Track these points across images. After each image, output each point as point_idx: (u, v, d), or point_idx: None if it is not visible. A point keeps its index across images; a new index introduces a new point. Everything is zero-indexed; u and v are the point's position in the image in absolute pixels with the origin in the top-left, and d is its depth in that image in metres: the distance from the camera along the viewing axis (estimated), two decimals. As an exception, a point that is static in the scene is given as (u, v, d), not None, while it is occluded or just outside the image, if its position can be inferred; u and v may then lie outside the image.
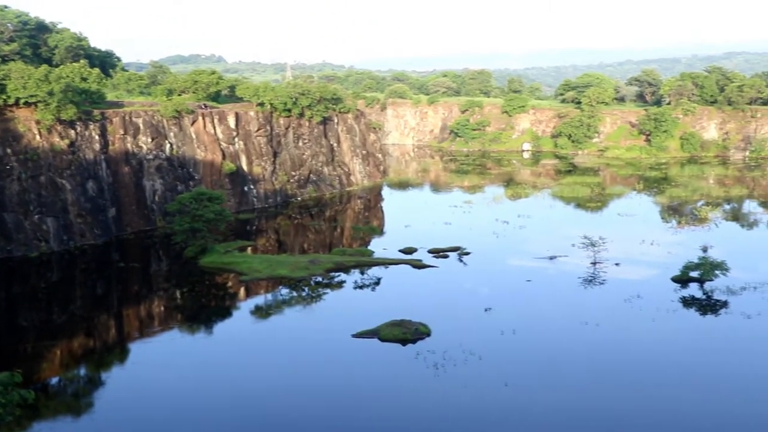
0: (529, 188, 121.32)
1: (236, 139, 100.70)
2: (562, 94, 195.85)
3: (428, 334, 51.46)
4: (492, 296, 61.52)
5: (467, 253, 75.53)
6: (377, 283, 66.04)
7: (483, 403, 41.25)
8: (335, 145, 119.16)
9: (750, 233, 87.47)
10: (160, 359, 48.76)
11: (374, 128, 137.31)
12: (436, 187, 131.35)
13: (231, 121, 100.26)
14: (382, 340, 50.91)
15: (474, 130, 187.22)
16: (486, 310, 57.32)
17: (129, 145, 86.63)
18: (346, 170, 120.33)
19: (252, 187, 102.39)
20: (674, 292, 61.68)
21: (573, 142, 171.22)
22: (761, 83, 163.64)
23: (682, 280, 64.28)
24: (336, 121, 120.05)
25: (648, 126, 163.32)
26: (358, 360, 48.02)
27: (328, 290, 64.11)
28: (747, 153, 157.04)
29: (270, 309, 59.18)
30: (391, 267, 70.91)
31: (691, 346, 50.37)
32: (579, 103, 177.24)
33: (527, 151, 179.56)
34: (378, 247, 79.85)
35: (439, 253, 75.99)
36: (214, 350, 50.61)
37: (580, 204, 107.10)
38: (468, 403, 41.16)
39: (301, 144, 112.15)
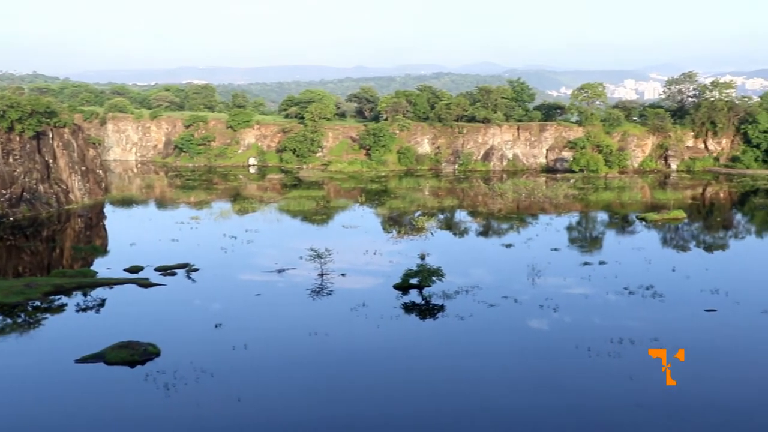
0: (256, 203, 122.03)
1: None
2: (285, 110, 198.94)
3: (158, 354, 50.12)
4: (222, 312, 61.20)
5: (196, 270, 74.55)
6: (101, 304, 63.18)
7: (215, 422, 40.99)
8: (51, 161, 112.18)
9: (462, 240, 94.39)
10: None
11: (94, 143, 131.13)
12: (162, 204, 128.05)
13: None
14: (108, 363, 48.79)
15: (199, 145, 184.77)
16: (216, 326, 56.93)
17: None
18: (64, 188, 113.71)
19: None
20: (396, 299, 64.99)
21: (298, 156, 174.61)
22: (465, 102, 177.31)
23: (403, 287, 67.87)
24: (51, 135, 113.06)
25: (368, 141, 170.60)
26: (82, 386, 45.68)
27: (48, 314, 60.27)
28: (456, 166, 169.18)
29: (-20, 339, 54.47)
30: (117, 287, 68.18)
31: (414, 348, 53.34)
32: (302, 118, 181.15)
33: (253, 165, 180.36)
34: (101, 267, 76.43)
35: (166, 270, 74.27)
36: None
37: (307, 217, 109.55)
38: (200, 422, 40.73)
39: (11, 160, 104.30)
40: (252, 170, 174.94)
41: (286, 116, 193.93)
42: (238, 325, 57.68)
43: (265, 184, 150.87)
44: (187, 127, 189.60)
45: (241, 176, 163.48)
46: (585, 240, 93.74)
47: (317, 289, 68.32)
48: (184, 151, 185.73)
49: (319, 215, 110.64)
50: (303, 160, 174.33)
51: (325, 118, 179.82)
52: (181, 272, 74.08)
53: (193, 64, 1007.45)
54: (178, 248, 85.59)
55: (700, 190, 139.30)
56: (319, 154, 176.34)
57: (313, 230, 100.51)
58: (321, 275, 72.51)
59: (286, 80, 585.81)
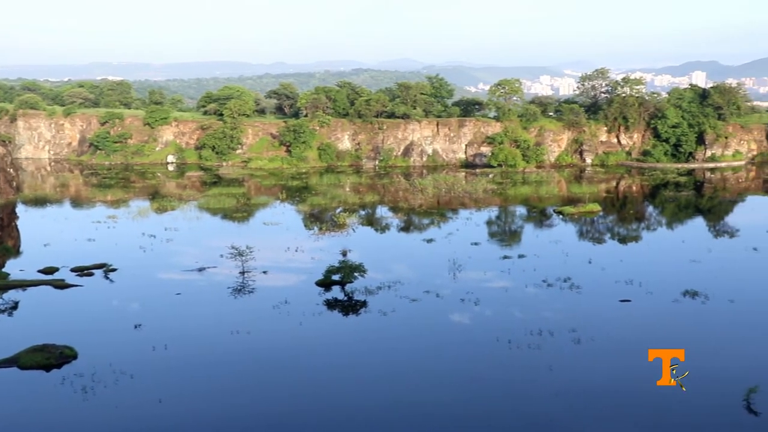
0: (175, 201, 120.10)
1: None
2: (204, 106, 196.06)
3: (75, 357, 49.00)
4: (142, 312, 60.17)
5: (114, 270, 73.05)
6: (14, 307, 61.37)
7: (135, 423, 40.35)
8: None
9: (383, 236, 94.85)
10: None
11: (3, 141, 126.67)
12: (78, 203, 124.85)
13: None
14: (22, 367, 47.47)
15: (115, 142, 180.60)
16: (136, 326, 55.95)
17: None
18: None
19: None
20: (319, 296, 65.00)
21: (217, 153, 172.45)
22: (385, 98, 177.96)
23: (326, 283, 67.91)
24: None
25: (288, 137, 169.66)
26: (-4, 392, 44.35)
27: (-43, 320, 58.23)
28: (377, 162, 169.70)
29: None
30: (30, 289, 66.31)
31: (337, 344, 53.47)
32: (221, 115, 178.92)
33: (172, 163, 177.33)
34: (14, 268, 74.09)
35: (83, 271, 72.56)
36: None
37: (227, 215, 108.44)
38: (119, 424, 40.05)
39: None
40: (171, 168, 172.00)
41: (205, 113, 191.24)
42: (158, 325, 56.85)
43: (185, 181, 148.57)
44: (103, 124, 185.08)
45: (159, 174, 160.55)
46: (504, 234, 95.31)
47: (239, 287, 67.78)
48: (99, 149, 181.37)
49: (240, 213, 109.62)
50: (223, 158, 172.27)
51: (244, 114, 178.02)
52: (98, 272, 72.50)
53: (108, 60, 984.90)
54: (94, 248, 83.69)
55: (613, 183, 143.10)
56: (239, 151, 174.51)
57: (234, 228, 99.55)
58: (242, 273, 71.95)
59: (204, 76, 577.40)
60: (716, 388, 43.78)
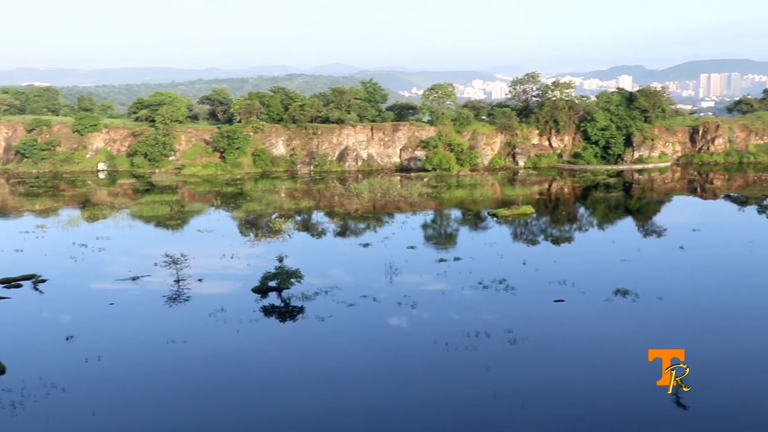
0: (106, 209, 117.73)
1: None
2: (135, 113, 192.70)
3: (2, 372, 47.66)
4: (73, 323, 58.84)
5: (43, 281, 71.31)
6: (-61, 322, 59.45)
7: (71, 436, 39.55)
8: None
9: (320, 241, 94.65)
10: None
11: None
12: (4, 213, 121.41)
13: None
14: (-51, 384, 46.05)
15: (43, 150, 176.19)
16: (68, 338, 54.75)
17: None
18: None
19: None
20: (255, 303, 64.56)
21: (150, 160, 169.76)
22: (319, 103, 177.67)
23: (262, 290, 67.48)
24: None
25: (222, 143, 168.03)
26: None
27: None
28: (312, 167, 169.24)
29: None
30: (-45, 303, 64.30)
31: (274, 351, 53.20)
32: (153, 121, 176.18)
33: (103, 171, 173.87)
34: (-63, 282, 71.83)
35: (10, 282, 70.64)
36: None
37: (161, 222, 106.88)
38: (54, 438, 39.19)
39: None
40: (102, 175, 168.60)
41: (136, 119, 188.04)
42: (91, 336, 55.73)
43: (116, 189, 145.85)
44: (30, 131, 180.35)
45: (90, 182, 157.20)
46: (440, 237, 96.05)
47: (174, 296, 66.89)
48: (26, 157, 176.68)
49: (174, 220, 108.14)
50: (155, 165, 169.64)
51: (177, 120, 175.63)
52: (27, 284, 70.68)
53: (34, 65, 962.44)
54: (22, 259, 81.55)
55: (546, 185, 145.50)
56: (171, 158, 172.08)
57: (168, 236, 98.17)
58: (177, 281, 71.01)
59: (135, 82, 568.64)
60: (646, 384, 44.81)
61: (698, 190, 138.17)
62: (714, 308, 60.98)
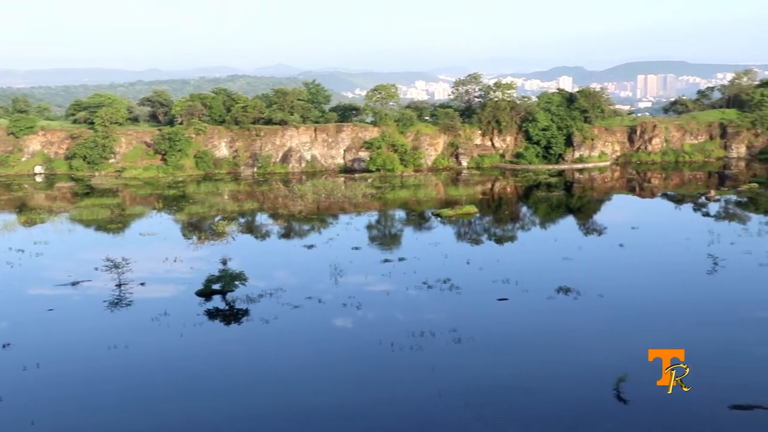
0: (44, 213, 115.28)
1: None
2: (73, 114, 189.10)
3: (-62, 382, 46.47)
4: (10, 331, 57.48)
5: (-21, 288, 69.61)
6: None
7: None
8: None
9: (264, 243, 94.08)
10: None
11: None
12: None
13: None
14: None
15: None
16: (4, 346, 53.49)
17: None
18: None
19: None
20: (199, 306, 63.92)
21: (89, 163, 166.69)
22: (262, 104, 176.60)
23: (206, 293, 66.85)
24: None
25: (163, 145, 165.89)
26: None
27: None
28: (255, 169, 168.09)
29: None
30: None
31: (219, 354, 52.69)
32: (92, 123, 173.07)
33: (40, 174, 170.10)
34: None
35: (-56, 290, 68.82)
36: None
37: (101, 226, 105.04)
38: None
39: None
40: (39, 179, 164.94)
41: (75, 121, 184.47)
42: (29, 343, 54.57)
43: (54, 193, 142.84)
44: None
45: (26, 185, 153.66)
46: (384, 238, 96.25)
47: (115, 301, 65.85)
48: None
49: (115, 224, 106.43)
50: (95, 167, 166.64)
51: (116, 123, 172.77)
52: (-39, 291, 68.91)
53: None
54: (-43, 265, 79.44)
55: (489, 185, 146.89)
56: (112, 161, 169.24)
57: (109, 239, 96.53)
58: (119, 286, 69.90)
59: (72, 84, 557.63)
60: (587, 379, 45.67)
61: (637, 188, 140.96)
62: (652, 305, 62.25)
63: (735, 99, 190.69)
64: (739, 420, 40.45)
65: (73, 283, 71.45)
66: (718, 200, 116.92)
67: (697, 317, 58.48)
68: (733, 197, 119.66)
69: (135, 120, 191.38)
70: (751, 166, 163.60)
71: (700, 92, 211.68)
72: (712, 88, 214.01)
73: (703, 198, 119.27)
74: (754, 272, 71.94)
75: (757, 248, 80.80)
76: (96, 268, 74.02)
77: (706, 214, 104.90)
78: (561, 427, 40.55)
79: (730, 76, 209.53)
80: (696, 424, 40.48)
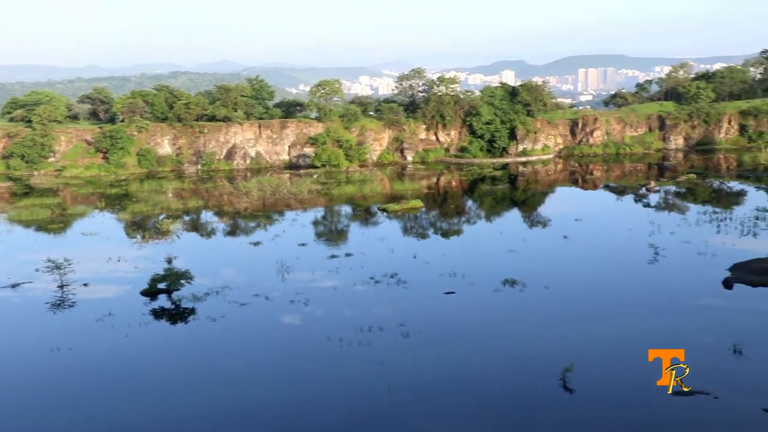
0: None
1: None
2: (9, 113, 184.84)
3: None
4: (-51, 335, 56.22)
5: None
6: None
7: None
8: None
9: (209, 241, 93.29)
10: None
11: None
12: None
13: None
14: None
15: None
16: (-56, 351, 52.27)
17: None
18: None
19: None
20: (144, 305, 63.19)
21: (27, 162, 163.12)
22: (205, 101, 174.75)
23: (151, 292, 66.12)
24: None
25: (104, 144, 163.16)
26: None
27: None
28: (199, 166, 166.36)
29: None
30: None
31: (165, 354, 52.24)
32: (30, 121, 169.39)
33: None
34: None
35: None
36: None
37: (41, 226, 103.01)
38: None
39: None
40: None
41: (11, 120, 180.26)
42: (-31, 348, 53.32)
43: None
44: None
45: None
46: (331, 233, 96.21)
47: (58, 302, 64.72)
48: None
49: (56, 224, 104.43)
50: (34, 167, 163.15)
51: (55, 120, 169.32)
52: None
53: None
54: None
55: (434, 179, 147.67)
56: (51, 160, 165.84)
57: (50, 240, 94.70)
58: (61, 287, 68.70)
59: (8, 81, 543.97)
60: (535, 370, 46.36)
61: (579, 181, 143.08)
62: (596, 295, 63.39)
63: (672, 92, 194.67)
64: (681, 406, 41.45)
65: (13, 285, 70.02)
66: (658, 191, 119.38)
67: (638, 308, 59.65)
68: (672, 188, 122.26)
69: (75, 118, 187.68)
70: (688, 157, 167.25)
71: (638, 85, 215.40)
72: (650, 81, 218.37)
73: (644, 189, 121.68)
74: (693, 261, 73.70)
75: (696, 237, 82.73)
76: (37, 270, 72.59)
77: (647, 205, 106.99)
78: (510, 417, 41.14)
79: (667, 69, 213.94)
80: (638, 411, 41.34)
